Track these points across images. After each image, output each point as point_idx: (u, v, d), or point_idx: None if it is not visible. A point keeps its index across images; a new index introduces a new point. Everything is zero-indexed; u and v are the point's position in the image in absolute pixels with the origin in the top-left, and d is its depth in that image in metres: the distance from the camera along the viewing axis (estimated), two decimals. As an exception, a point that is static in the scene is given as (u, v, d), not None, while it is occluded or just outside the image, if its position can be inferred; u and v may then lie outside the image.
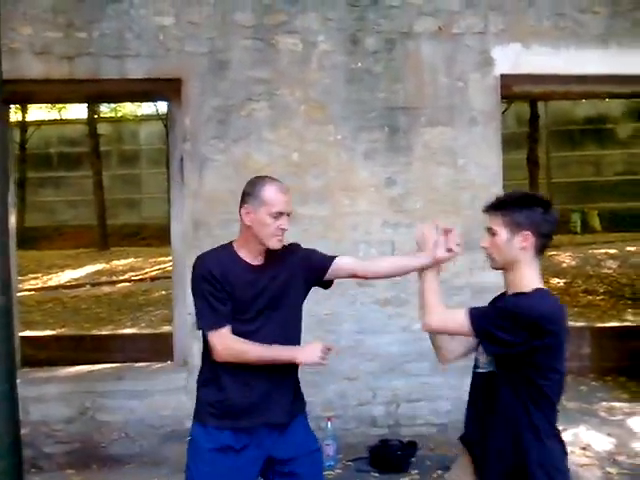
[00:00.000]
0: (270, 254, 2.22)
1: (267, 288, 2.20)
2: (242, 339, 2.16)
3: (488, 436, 1.96)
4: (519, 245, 1.92)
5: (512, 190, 2.05)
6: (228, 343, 2.15)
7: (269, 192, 2.15)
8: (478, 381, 2.02)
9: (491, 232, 1.97)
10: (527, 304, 1.86)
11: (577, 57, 4.18)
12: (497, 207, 1.98)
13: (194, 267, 2.20)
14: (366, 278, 2.45)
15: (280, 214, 2.14)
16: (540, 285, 1.95)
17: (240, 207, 2.19)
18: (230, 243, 2.27)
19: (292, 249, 2.30)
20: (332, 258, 2.28)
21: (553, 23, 4.19)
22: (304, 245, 2.38)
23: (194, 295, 2.20)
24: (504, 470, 1.93)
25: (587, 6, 4.20)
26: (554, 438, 1.94)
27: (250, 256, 2.21)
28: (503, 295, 2.07)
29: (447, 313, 1.98)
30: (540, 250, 1.96)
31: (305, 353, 2.17)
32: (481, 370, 1.99)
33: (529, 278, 1.93)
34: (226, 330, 2.15)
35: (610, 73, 4.21)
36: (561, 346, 1.91)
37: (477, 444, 2.02)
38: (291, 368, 2.26)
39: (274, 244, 2.17)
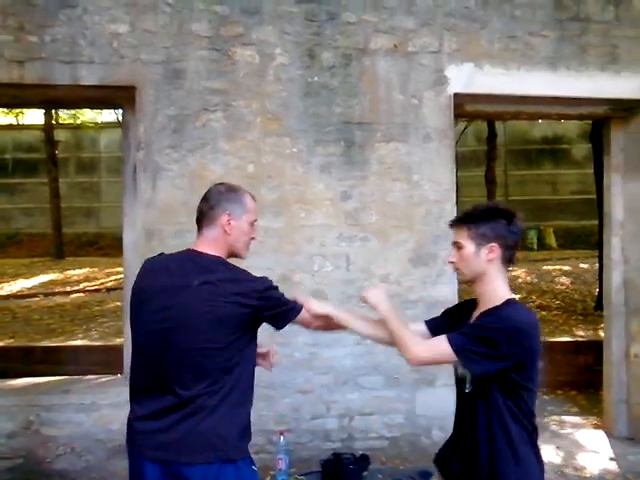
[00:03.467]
0: None
1: None
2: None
3: (467, 457, 1.96)
4: (486, 257, 1.93)
5: (477, 203, 2.04)
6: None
7: (250, 200, 2.12)
8: (461, 401, 2.02)
9: (457, 246, 1.98)
10: (503, 318, 1.86)
11: (527, 78, 4.30)
12: (463, 220, 1.98)
13: None
14: None
15: (255, 222, 2.14)
16: (511, 295, 1.96)
17: (220, 215, 2.05)
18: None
19: None
20: None
21: (504, 45, 4.30)
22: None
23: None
24: None
25: (537, 29, 4.34)
26: (533, 457, 1.94)
27: None
28: (471, 302, 2.08)
29: (432, 345, 1.93)
30: (507, 261, 1.97)
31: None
32: (466, 390, 1.97)
33: (499, 289, 1.95)
34: None
35: (558, 95, 4.34)
36: (537, 358, 1.92)
37: (454, 464, 2.02)
38: None
39: (246, 254, 2.15)
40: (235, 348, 1.94)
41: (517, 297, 2.00)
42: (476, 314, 1.99)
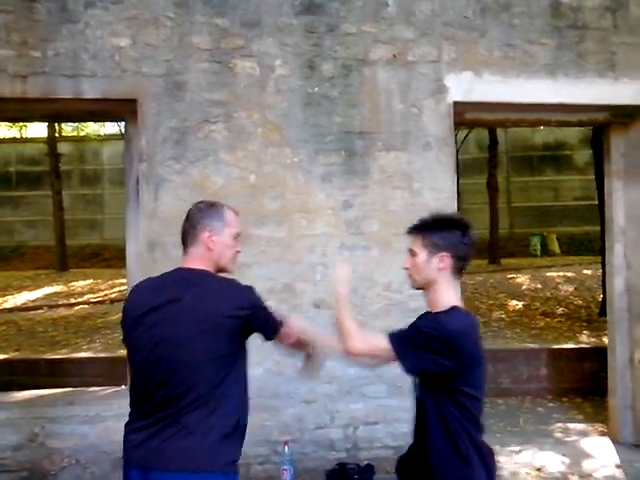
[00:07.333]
0: None
1: None
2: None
3: (422, 463, 1.98)
4: (437, 266, 1.99)
5: (435, 213, 2.09)
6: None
7: (230, 214, 2.15)
8: (416, 407, 2.06)
9: (412, 253, 2.04)
10: (439, 323, 1.90)
11: (526, 86, 4.32)
12: (418, 229, 2.04)
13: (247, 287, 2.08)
14: None
15: (238, 235, 2.15)
16: (457, 303, 2.01)
17: (201, 232, 2.09)
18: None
19: None
20: None
21: (503, 53, 4.33)
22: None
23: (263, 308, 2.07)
24: None
25: (535, 37, 4.36)
26: (479, 464, 1.94)
27: None
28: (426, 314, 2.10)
29: (369, 338, 2.00)
30: (458, 271, 2.02)
31: None
32: (417, 395, 2.03)
33: (446, 297, 2.00)
34: None
35: (558, 102, 4.36)
36: (475, 366, 1.94)
37: (409, 467, 2.04)
38: None
39: (233, 268, 2.16)
40: (225, 361, 1.96)
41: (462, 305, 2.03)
42: None
